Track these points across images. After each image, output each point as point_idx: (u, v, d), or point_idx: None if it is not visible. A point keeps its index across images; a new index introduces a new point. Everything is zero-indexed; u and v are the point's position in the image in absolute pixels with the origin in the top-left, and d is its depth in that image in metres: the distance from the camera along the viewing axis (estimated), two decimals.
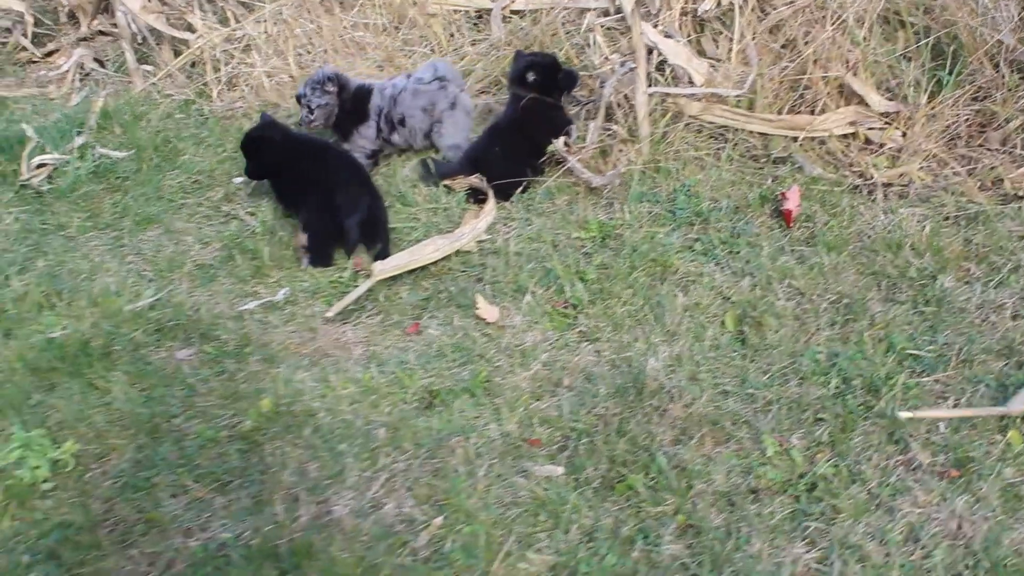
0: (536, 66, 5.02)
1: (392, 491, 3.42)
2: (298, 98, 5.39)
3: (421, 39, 6.42)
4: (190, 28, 6.89)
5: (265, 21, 6.59)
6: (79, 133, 6.12)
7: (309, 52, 6.47)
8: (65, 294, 4.64)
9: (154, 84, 6.79)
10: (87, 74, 7.34)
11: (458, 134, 5.43)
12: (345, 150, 5.33)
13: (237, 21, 6.72)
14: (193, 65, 6.81)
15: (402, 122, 5.42)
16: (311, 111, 5.31)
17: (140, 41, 7.06)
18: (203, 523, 3.37)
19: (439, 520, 3.25)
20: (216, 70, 6.55)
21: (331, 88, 5.30)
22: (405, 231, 4.83)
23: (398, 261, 4.46)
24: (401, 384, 3.87)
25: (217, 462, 3.60)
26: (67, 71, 7.35)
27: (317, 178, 4.85)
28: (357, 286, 4.40)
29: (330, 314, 4.28)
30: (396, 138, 5.47)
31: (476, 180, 4.95)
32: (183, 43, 6.87)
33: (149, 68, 7.00)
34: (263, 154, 4.98)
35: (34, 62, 7.89)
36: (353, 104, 5.38)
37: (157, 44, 6.99)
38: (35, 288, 4.68)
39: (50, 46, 7.93)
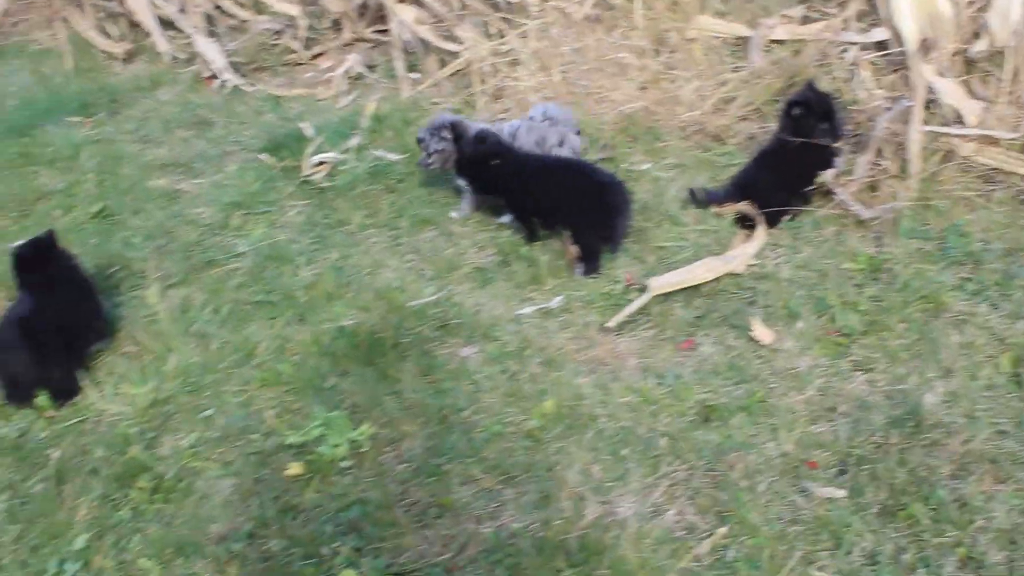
0: (804, 105, 5.09)
1: (673, 498, 3.58)
2: (419, 141, 5.69)
3: (683, 63, 6.55)
4: (455, 40, 7.20)
5: (526, 37, 6.84)
6: (353, 134, 6.48)
7: (572, 71, 6.67)
8: (352, 286, 4.97)
9: (421, 91, 7.13)
10: (355, 78, 7.74)
11: None
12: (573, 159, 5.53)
13: (501, 36, 6.99)
14: (455, 75, 7.13)
15: None
16: (428, 155, 5.61)
17: (409, 51, 7.42)
18: (492, 512, 3.60)
19: (723, 530, 3.39)
20: (482, 82, 6.83)
21: (447, 135, 5.55)
22: (674, 250, 4.99)
23: (673, 278, 4.62)
24: (678, 397, 4.03)
25: (503, 455, 3.83)
26: (336, 74, 7.76)
27: (560, 186, 5.06)
28: (629, 299, 4.59)
29: (611, 324, 4.46)
30: None
31: (746, 207, 5.06)
32: (450, 54, 7.20)
33: (415, 76, 7.34)
34: (487, 171, 5.24)
35: (300, 64, 8.37)
36: None
37: (424, 54, 7.34)
38: (326, 278, 5.02)
39: (315, 49, 8.39)
